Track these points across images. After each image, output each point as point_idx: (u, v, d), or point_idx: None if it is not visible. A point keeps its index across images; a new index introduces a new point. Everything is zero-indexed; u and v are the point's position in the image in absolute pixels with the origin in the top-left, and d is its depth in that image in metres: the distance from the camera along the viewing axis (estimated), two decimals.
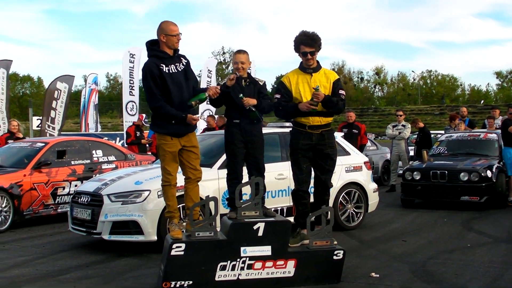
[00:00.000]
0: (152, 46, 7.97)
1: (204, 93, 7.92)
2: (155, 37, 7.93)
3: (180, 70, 7.95)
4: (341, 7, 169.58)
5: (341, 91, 8.39)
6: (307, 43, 8.33)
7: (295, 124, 8.55)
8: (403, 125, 19.20)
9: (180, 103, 7.84)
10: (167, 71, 7.79)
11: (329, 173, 8.57)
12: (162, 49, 7.90)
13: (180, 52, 8.13)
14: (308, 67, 8.42)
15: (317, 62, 8.46)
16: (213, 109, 27.80)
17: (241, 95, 8.14)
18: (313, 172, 8.61)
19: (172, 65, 7.88)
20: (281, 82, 8.59)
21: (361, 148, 17.45)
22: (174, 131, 7.88)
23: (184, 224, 8.08)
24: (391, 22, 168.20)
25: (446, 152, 16.92)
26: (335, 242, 8.17)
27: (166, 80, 7.77)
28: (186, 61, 8.09)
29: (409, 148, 19.90)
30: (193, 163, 8.09)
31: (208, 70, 28.17)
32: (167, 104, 7.78)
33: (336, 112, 8.51)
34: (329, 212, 8.04)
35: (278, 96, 8.48)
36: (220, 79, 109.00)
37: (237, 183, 8.29)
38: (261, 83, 8.62)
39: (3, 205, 12.75)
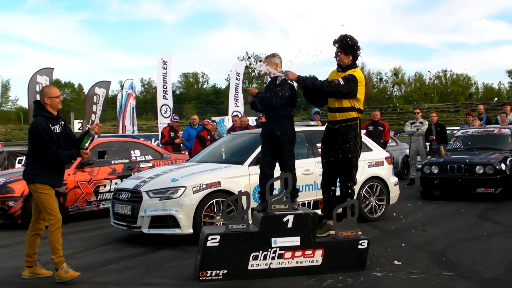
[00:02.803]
0: (39, 105, 8.20)
1: (90, 134, 8.29)
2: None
3: (61, 130, 8.18)
4: (360, 13, 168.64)
5: (342, 80, 8.19)
6: (334, 44, 8.44)
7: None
8: (420, 122, 19.18)
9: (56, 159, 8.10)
10: (53, 130, 8.03)
11: (346, 169, 8.49)
12: (48, 110, 8.11)
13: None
14: (339, 66, 8.51)
15: (352, 61, 8.47)
16: (241, 110, 27.85)
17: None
18: None
19: (57, 125, 8.11)
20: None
21: (384, 144, 17.51)
22: (53, 183, 8.16)
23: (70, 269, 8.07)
24: (408, 26, 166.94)
25: (462, 147, 16.85)
26: (360, 232, 8.20)
27: (53, 138, 7.99)
28: (63, 122, 8.34)
29: (426, 143, 19.85)
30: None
31: (237, 73, 28.17)
32: (59, 151, 8.04)
33: (315, 87, 8.31)
34: (354, 204, 8.07)
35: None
36: (247, 82, 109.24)
37: (263, 177, 8.58)
38: (279, 80, 8.62)
39: None
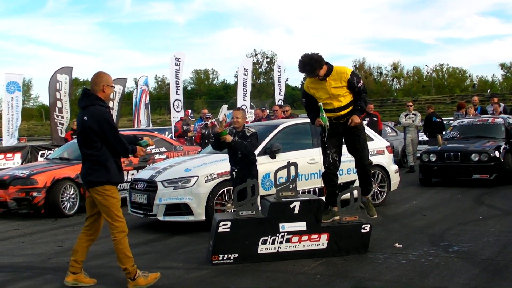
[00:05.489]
0: (90, 93, 6.94)
1: (146, 141, 7.40)
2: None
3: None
4: (359, 10, 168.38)
5: (359, 84, 8.22)
6: (309, 74, 8.26)
7: None
8: (414, 114, 19.41)
9: None
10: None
11: (363, 150, 8.56)
12: (102, 99, 6.93)
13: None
14: (320, 77, 8.23)
15: (327, 65, 8.19)
16: (248, 104, 27.86)
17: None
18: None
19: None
20: (303, 90, 8.70)
21: (379, 133, 17.54)
22: (121, 178, 7.15)
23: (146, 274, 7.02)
24: (405, 22, 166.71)
25: (458, 136, 16.84)
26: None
27: None
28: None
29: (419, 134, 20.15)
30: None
31: (244, 69, 28.12)
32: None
33: (367, 104, 8.63)
34: (357, 191, 8.10)
35: (304, 100, 8.71)
36: (255, 77, 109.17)
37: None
38: (249, 134, 9.22)
39: (71, 193, 13.01)
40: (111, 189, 6.87)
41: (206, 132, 18.31)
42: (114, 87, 7.32)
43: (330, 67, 8.27)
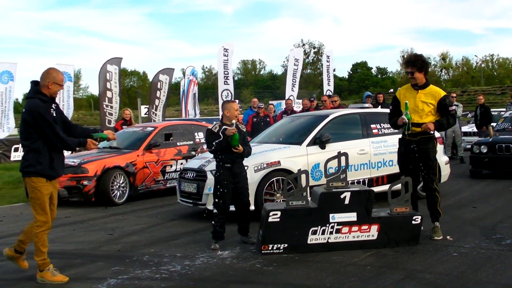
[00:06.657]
0: (36, 86, 6.94)
1: (105, 134, 7.29)
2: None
3: (57, 114, 6.96)
4: (408, 0, 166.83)
5: (451, 108, 8.36)
6: (406, 64, 8.40)
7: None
8: (455, 105, 19.34)
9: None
10: (51, 113, 6.87)
11: (430, 173, 8.51)
12: (44, 93, 6.88)
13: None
14: (415, 85, 8.42)
15: (426, 78, 8.41)
16: (296, 95, 27.81)
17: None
18: None
19: (51, 109, 6.90)
20: (395, 96, 8.74)
21: None
22: (52, 173, 6.94)
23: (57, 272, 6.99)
24: (453, 12, 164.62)
25: (510, 127, 16.61)
26: None
27: (54, 120, 6.89)
28: (55, 105, 7.07)
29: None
30: (55, 203, 7.20)
31: (295, 59, 28.07)
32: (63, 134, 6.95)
33: (449, 127, 8.79)
34: (408, 182, 8.01)
35: (391, 107, 8.80)
36: (302, 68, 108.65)
37: (221, 216, 8.54)
38: (244, 130, 8.87)
39: (121, 182, 13.15)
40: (38, 182, 6.86)
41: (257, 120, 18.21)
42: (61, 85, 7.15)
43: (427, 83, 8.46)
